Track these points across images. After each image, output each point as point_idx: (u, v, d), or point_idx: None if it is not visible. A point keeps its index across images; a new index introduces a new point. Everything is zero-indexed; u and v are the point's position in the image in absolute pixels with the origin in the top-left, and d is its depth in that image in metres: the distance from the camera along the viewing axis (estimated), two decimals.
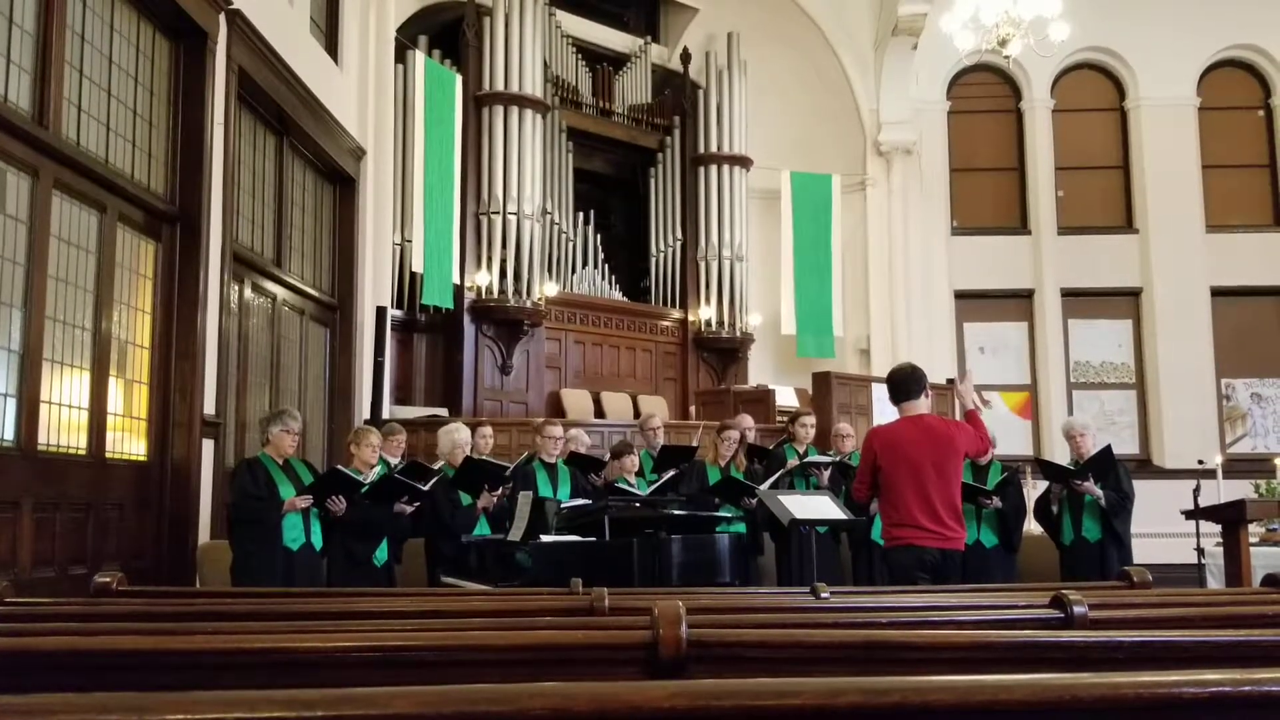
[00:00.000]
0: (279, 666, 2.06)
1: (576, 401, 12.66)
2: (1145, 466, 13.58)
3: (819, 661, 2.13)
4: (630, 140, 14.24)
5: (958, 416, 5.58)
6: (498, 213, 12.04)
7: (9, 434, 5.46)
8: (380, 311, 10.51)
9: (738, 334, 13.97)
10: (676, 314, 14.02)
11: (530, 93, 12.36)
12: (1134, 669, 1.66)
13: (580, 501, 6.67)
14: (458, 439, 7.09)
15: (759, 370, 14.35)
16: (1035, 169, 14.67)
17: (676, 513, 6.25)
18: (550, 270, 12.85)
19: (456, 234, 11.69)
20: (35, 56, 5.69)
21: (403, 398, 11.84)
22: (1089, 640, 2.31)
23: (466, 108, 12.15)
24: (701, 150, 14.16)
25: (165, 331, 6.97)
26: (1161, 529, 8.82)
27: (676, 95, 14.49)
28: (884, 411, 5.65)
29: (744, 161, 14.20)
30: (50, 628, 2.59)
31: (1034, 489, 7.89)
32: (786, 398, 12.51)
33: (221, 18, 7.43)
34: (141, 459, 6.76)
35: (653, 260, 14.01)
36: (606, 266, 13.75)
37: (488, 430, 7.88)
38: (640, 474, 7.55)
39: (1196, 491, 7.69)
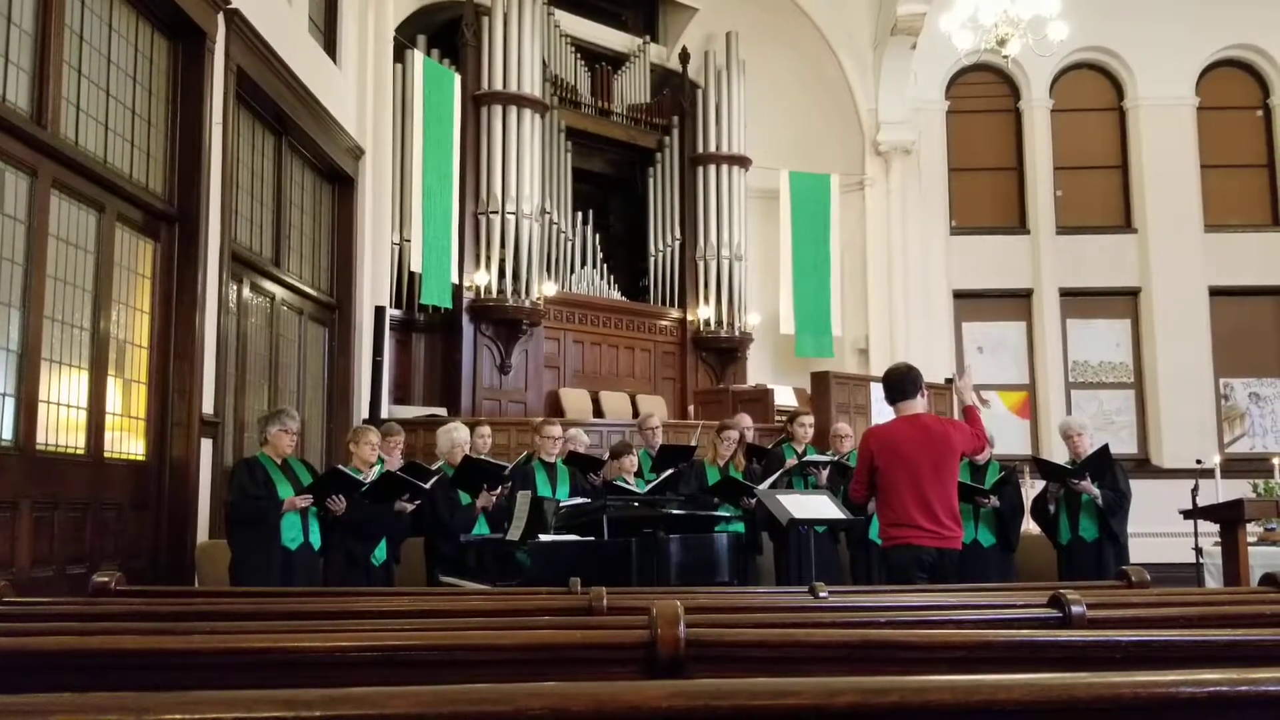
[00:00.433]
0: (277, 666, 2.06)
1: (575, 401, 12.66)
2: (1143, 466, 13.58)
3: (817, 661, 2.13)
4: (629, 140, 14.23)
5: (956, 414, 5.58)
6: (496, 212, 12.04)
7: (7, 433, 5.46)
8: (379, 311, 10.51)
9: (736, 333, 13.97)
10: (675, 313, 14.02)
11: (529, 92, 12.35)
12: (1132, 668, 1.66)
13: (578, 500, 6.67)
14: (456, 438, 7.10)
15: (758, 370, 14.35)
16: (1034, 169, 14.67)
17: (675, 512, 6.26)
18: (549, 270, 12.84)
19: (455, 233, 11.68)
20: (34, 56, 5.68)
21: (401, 397, 11.84)
22: (1087, 640, 2.31)
23: (465, 107, 12.14)
24: (700, 150, 14.15)
25: (164, 331, 6.97)
26: (1160, 528, 8.83)
27: (675, 95, 14.49)
28: (883, 411, 5.65)
29: (743, 161, 14.20)
30: (49, 627, 2.59)
31: (1032, 488, 7.89)
32: (785, 397, 12.51)
33: (220, 17, 7.43)
34: (140, 459, 6.76)
35: (651, 260, 14.01)
36: (605, 266, 13.75)
37: (486, 430, 7.88)
38: (639, 474, 7.55)
39: (1195, 491, 7.70)
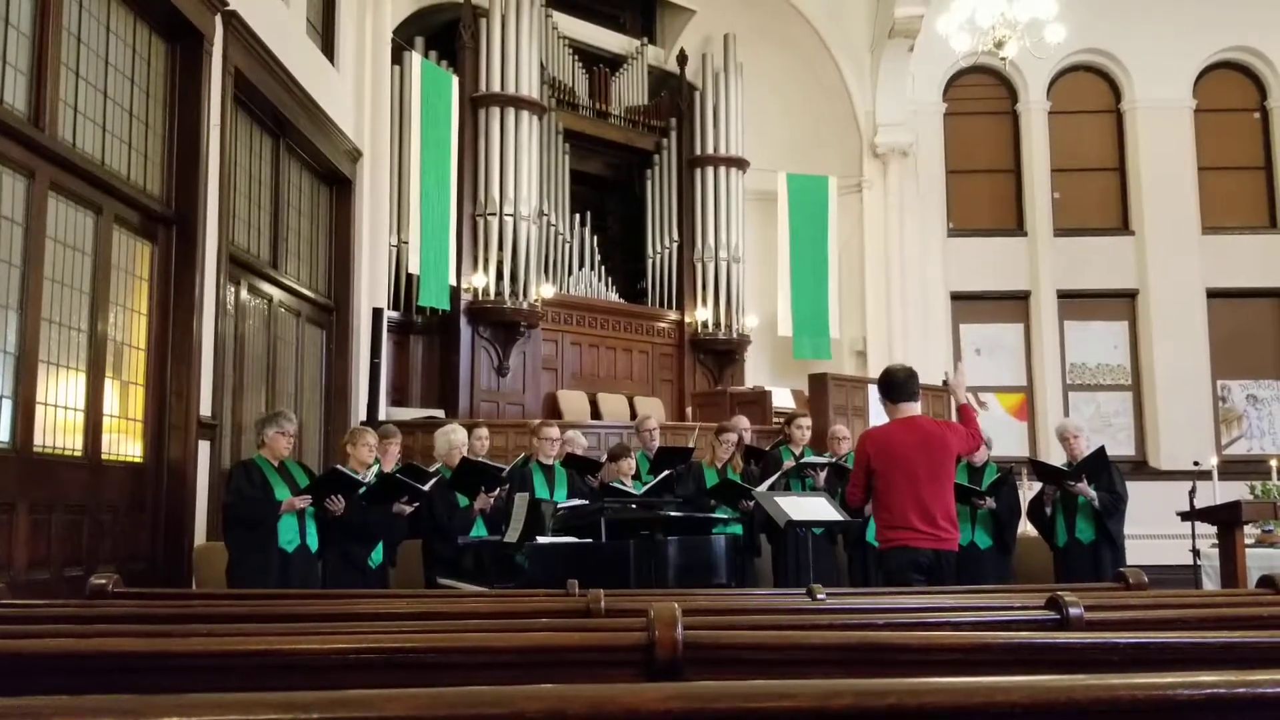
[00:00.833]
0: (274, 668, 2.06)
1: (573, 403, 12.66)
2: (1141, 468, 13.59)
3: (815, 663, 2.13)
4: (627, 142, 14.24)
5: (952, 414, 5.58)
6: (494, 214, 12.04)
7: (4, 436, 5.45)
8: (376, 313, 10.50)
9: (734, 335, 13.97)
10: (673, 315, 14.03)
11: (527, 94, 12.36)
12: (1130, 670, 1.66)
13: (576, 501, 6.67)
14: (454, 440, 7.10)
15: (755, 372, 14.35)
16: (1031, 171, 14.68)
17: (673, 514, 6.25)
18: (547, 272, 12.85)
19: (453, 235, 11.68)
20: (31, 58, 5.68)
21: (399, 399, 11.84)
22: (1085, 642, 2.31)
23: (463, 109, 12.14)
24: (698, 152, 14.16)
25: (161, 333, 6.96)
26: (1157, 530, 8.84)
27: (673, 97, 14.50)
28: (880, 413, 5.65)
29: (740, 163, 14.21)
30: (46, 630, 2.58)
31: (1029, 490, 7.90)
32: (783, 399, 12.51)
33: (217, 19, 7.43)
34: (137, 461, 6.75)
35: (649, 262, 14.02)
36: (603, 268, 13.75)
37: (484, 432, 7.89)
38: (636, 476, 7.54)
39: (1192, 493, 7.70)
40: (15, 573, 5.41)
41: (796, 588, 4.29)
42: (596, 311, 13.50)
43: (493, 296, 12.06)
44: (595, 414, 12.50)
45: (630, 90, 14.26)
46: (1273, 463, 9.54)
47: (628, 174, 14.70)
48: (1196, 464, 9.43)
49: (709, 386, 13.90)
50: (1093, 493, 6.58)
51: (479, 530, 6.66)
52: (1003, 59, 10.49)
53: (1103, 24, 14.06)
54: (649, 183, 14.20)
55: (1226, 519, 6.59)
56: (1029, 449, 13.86)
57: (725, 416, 9.55)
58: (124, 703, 1.20)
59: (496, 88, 12.26)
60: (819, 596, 3.34)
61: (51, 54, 5.77)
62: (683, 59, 14.59)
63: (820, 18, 14.46)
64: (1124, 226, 14.66)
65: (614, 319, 13.67)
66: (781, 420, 9.45)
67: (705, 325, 13.91)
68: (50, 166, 5.81)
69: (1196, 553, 7.86)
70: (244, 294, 8.33)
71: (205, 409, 7.16)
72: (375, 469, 6.55)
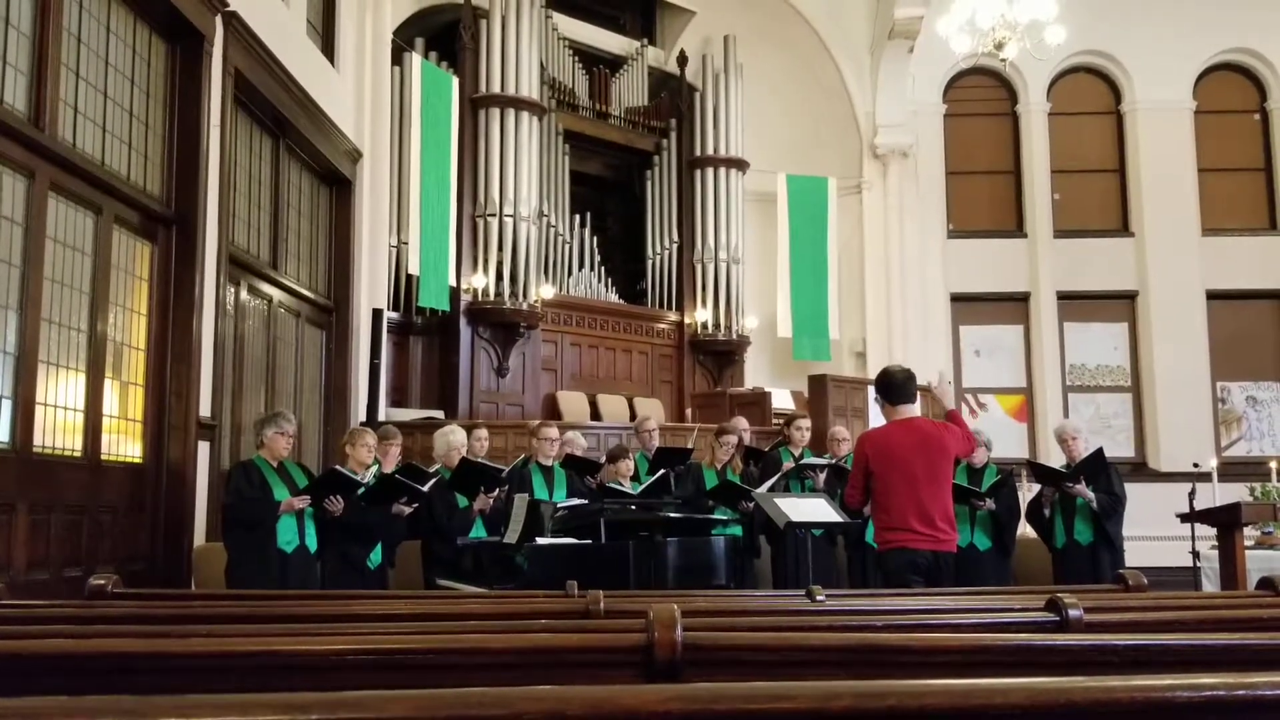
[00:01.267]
0: (274, 669, 2.06)
1: (572, 404, 12.66)
2: (1141, 470, 13.59)
3: (814, 665, 2.13)
4: (626, 143, 14.25)
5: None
6: (494, 215, 12.04)
7: (4, 436, 5.45)
8: (376, 314, 10.50)
9: (734, 336, 13.97)
10: (673, 316, 14.03)
11: (527, 95, 12.36)
12: (1129, 672, 1.66)
13: (575, 501, 6.67)
14: (453, 441, 7.09)
15: (755, 373, 14.35)
16: (1031, 172, 14.68)
17: (672, 515, 6.25)
18: (546, 273, 12.85)
19: (453, 236, 11.68)
20: (31, 58, 5.68)
21: (399, 400, 11.84)
22: (1084, 644, 2.31)
23: (463, 110, 12.14)
24: (698, 153, 14.16)
25: (161, 333, 6.96)
26: (1157, 532, 8.84)
27: (673, 98, 14.50)
28: (880, 414, 5.65)
29: (740, 164, 14.21)
30: (45, 630, 2.58)
31: (1028, 492, 7.90)
32: (782, 400, 12.51)
33: (218, 19, 7.43)
34: (137, 461, 6.75)
35: (649, 263, 14.02)
36: (603, 269, 13.75)
37: (483, 433, 7.89)
38: (635, 477, 7.54)
39: (1192, 495, 7.71)
40: (15, 573, 5.41)
41: (796, 589, 4.29)
42: (596, 312, 13.50)
43: (492, 297, 12.06)
44: (595, 415, 12.50)
45: (630, 91, 14.27)
46: (1272, 464, 9.54)
47: (627, 175, 14.70)
48: (1196, 466, 9.44)
49: (708, 387, 13.90)
50: (1090, 494, 6.58)
51: (478, 531, 6.66)
52: (1003, 60, 10.49)
53: (1103, 25, 14.07)
54: (649, 184, 14.20)
55: (1226, 521, 6.59)
56: (1029, 451, 13.86)
57: (725, 418, 9.56)
58: (124, 703, 1.20)
59: (496, 88, 12.26)
60: (818, 598, 3.34)
61: (51, 54, 5.77)
62: (683, 60, 14.59)
63: (820, 19, 14.47)
64: (1124, 228, 14.67)
65: (614, 320, 13.67)
66: (781, 421, 9.45)
67: (705, 326, 13.91)
68: (50, 166, 5.81)
69: (1196, 554, 7.86)
70: (244, 294, 8.33)
71: (205, 409, 7.16)
72: (375, 469, 6.55)
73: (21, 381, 5.53)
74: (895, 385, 5.29)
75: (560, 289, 13.07)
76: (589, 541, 5.97)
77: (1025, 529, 7.35)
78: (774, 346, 14.38)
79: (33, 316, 5.62)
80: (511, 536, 5.94)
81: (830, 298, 14.25)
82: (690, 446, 8.66)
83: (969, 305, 14.57)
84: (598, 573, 5.13)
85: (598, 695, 1.28)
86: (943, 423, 5.40)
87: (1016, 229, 14.75)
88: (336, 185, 10.33)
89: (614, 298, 13.77)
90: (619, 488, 7.16)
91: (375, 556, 6.24)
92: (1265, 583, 3.37)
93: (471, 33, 12.46)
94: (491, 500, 6.74)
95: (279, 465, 5.96)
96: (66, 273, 6.02)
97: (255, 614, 2.99)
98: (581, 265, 13.50)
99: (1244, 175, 14.71)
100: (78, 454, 6.11)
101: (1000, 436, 10.84)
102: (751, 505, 7.01)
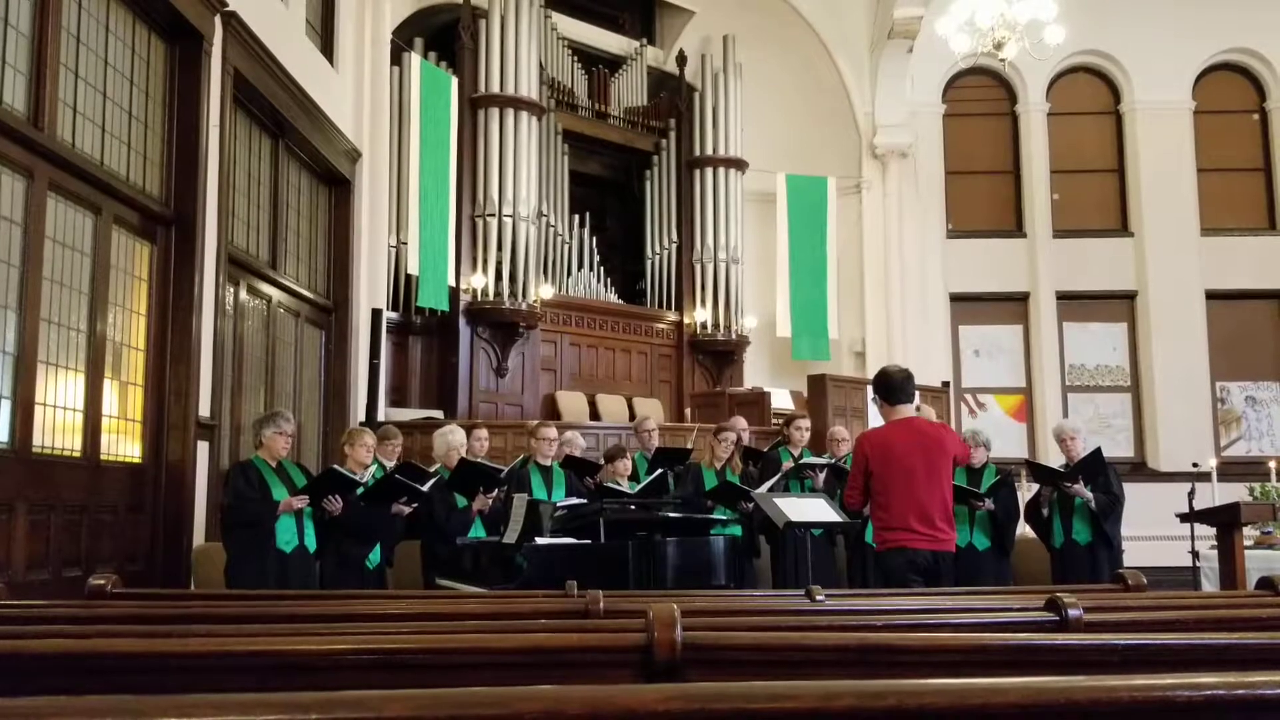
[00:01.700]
0: (273, 669, 2.06)
1: (572, 404, 12.66)
2: (1140, 469, 13.60)
3: (814, 664, 2.13)
4: (626, 143, 14.25)
5: (953, 420, 5.59)
6: (493, 215, 12.04)
7: (3, 436, 5.45)
8: (375, 314, 10.50)
9: (733, 336, 13.97)
10: (672, 316, 14.03)
11: (526, 95, 12.36)
12: (1128, 672, 1.66)
13: (574, 500, 6.67)
14: (453, 441, 7.09)
15: (754, 373, 14.35)
16: (1030, 172, 14.69)
17: (671, 515, 6.25)
18: (546, 273, 12.85)
19: (452, 236, 11.68)
20: (30, 58, 5.68)
21: (398, 400, 11.84)
22: (1084, 643, 2.31)
23: (462, 110, 12.15)
24: (697, 153, 14.17)
25: (160, 333, 6.96)
26: (1156, 532, 8.84)
27: (672, 98, 14.50)
28: (879, 414, 5.65)
29: (739, 164, 14.21)
30: (44, 630, 2.58)
31: (1028, 492, 7.91)
32: (781, 400, 12.51)
33: (217, 19, 7.43)
34: (136, 461, 6.75)
35: (648, 263, 14.02)
36: (602, 269, 13.76)
37: (483, 433, 7.89)
38: (634, 477, 7.54)
39: (1191, 494, 7.72)
40: (14, 573, 5.41)
41: (795, 589, 4.29)
42: (595, 312, 13.50)
43: (492, 297, 12.06)
44: (594, 415, 12.51)
45: (629, 91, 14.27)
46: (1271, 464, 9.54)
47: (627, 175, 14.70)
48: (1195, 465, 9.45)
49: (708, 387, 13.90)
50: (1089, 494, 6.58)
51: (477, 531, 6.66)
52: (1002, 60, 10.50)
53: (1102, 25, 14.07)
54: (648, 184, 14.20)
55: (1225, 520, 6.59)
56: (1028, 450, 13.87)
57: (724, 417, 9.55)
58: (123, 703, 1.20)
59: (496, 88, 12.26)
60: (818, 598, 3.34)
61: (51, 54, 5.77)
62: (682, 60, 14.59)
63: (819, 19, 14.47)
64: (1123, 228, 14.67)
65: (613, 320, 13.67)
66: (780, 421, 9.46)
67: (704, 326, 13.91)
68: (49, 167, 5.80)
69: (1195, 554, 7.86)
70: (243, 294, 8.33)
71: (204, 409, 7.16)
72: (374, 469, 6.54)
73: (21, 381, 5.53)
74: (894, 385, 5.28)
75: (559, 289, 13.07)
76: (588, 541, 5.96)
77: (1024, 529, 7.35)
78: (773, 346, 14.39)
79: (32, 317, 5.62)
80: (511, 536, 5.94)
81: (829, 298, 14.25)
82: (689, 446, 8.66)
83: (968, 305, 14.58)
84: (597, 573, 5.13)
85: (596, 695, 1.28)
86: (941, 423, 5.41)
87: (1016, 229, 14.75)
88: (336, 185, 10.33)
89: (613, 298, 13.77)
90: (616, 487, 7.16)
91: (374, 556, 6.24)
92: (1264, 582, 3.37)
93: (470, 33, 12.46)
94: (490, 500, 6.74)
95: (278, 465, 5.96)
96: (66, 273, 6.02)
97: (254, 614, 2.99)
98: (581, 265, 13.50)
99: (1243, 175, 14.72)
100: (77, 454, 6.11)
101: (999, 436, 10.85)
102: (751, 505, 7.01)
